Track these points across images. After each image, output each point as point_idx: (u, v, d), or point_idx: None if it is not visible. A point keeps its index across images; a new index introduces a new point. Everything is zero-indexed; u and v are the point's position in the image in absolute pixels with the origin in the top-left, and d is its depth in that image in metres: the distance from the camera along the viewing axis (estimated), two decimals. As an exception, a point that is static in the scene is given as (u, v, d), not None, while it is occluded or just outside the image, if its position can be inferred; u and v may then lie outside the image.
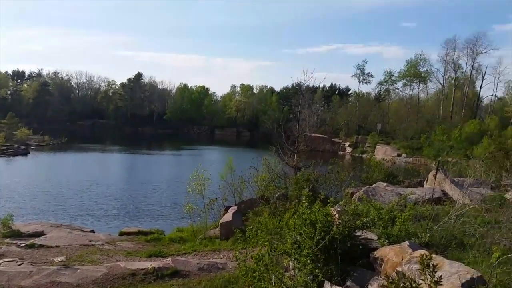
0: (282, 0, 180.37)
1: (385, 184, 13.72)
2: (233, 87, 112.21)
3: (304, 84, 21.54)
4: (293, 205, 12.60)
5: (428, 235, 7.36)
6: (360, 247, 7.14)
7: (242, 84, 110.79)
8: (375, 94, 78.53)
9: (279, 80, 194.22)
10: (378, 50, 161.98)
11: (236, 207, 14.32)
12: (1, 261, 10.59)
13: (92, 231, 15.34)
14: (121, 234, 15.14)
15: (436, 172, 12.55)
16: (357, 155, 55.96)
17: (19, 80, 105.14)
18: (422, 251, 5.11)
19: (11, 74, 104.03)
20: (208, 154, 54.99)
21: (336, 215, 7.53)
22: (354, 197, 12.22)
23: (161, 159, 47.47)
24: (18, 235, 13.91)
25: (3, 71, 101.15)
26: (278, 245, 7.25)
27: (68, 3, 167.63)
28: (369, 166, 19.16)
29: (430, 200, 10.63)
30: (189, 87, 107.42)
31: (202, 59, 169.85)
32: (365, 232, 7.43)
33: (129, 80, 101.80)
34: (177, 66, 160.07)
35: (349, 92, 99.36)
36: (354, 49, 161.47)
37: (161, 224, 17.74)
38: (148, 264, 9.37)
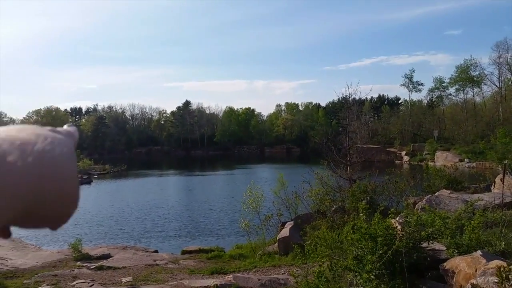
0: (316, 22, 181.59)
1: (449, 191, 13.09)
2: (278, 106, 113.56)
3: (350, 97, 21.35)
4: (351, 217, 12.36)
5: (503, 243, 6.91)
6: (428, 259, 6.86)
7: (287, 103, 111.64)
8: (428, 101, 76.04)
9: (323, 95, 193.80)
10: (424, 58, 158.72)
11: (292, 222, 14.25)
12: (75, 282, 11.25)
13: (156, 251, 15.89)
14: (183, 252, 15.55)
15: (504, 176, 11.80)
16: (416, 163, 53.74)
17: (77, 116, 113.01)
18: (498, 262, 4.82)
19: (70, 111, 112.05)
20: (259, 171, 55.34)
21: (399, 227, 7.30)
22: (416, 207, 11.77)
23: (215, 179, 48.42)
24: (87, 258, 14.73)
25: (62, 109, 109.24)
26: (338, 260, 7.12)
27: (114, 43, 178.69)
28: (429, 174, 18.33)
29: (500, 205, 9.99)
30: (235, 109, 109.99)
31: (245, 82, 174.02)
32: (432, 243, 7.14)
33: (178, 108, 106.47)
34: (222, 91, 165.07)
35: (399, 101, 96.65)
36: (398, 60, 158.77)
37: (220, 242, 17.99)
38: (211, 282, 9.55)
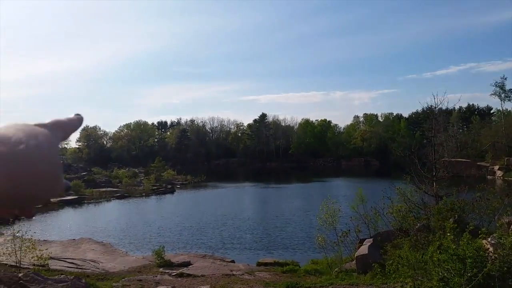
0: (401, 28, 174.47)
1: (552, 211, 11.61)
2: (356, 117, 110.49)
3: (436, 107, 20.04)
4: (437, 237, 11.51)
5: None
6: (526, 285, 6.16)
7: (365, 114, 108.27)
8: (525, 110, 68.87)
9: (405, 106, 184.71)
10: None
11: (371, 239, 13.67)
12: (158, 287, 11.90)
13: (233, 261, 16.25)
14: (259, 264, 15.70)
15: None
16: (511, 179, 48.77)
17: (162, 129, 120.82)
18: None
19: (156, 124, 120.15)
20: (336, 185, 54.14)
21: (491, 249, 6.70)
22: (511, 228, 10.62)
23: (290, 192, 48.34)
24: (169, 264, 15.54)
25: (149, 123, 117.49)
26: (422, 281, 6.71)
27: (195, 60, 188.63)
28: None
29: None
30: (311, 121, 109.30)
31: (321, 94, 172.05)
32: (532, 268, 6.38)
33: (255, 120, 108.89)
34: (297, 103, 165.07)
35: (491, 112, 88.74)
36: (490, 67, 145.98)
37: (295, 256, 17.85)
38: (286, 296, 9.48)
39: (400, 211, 14.35)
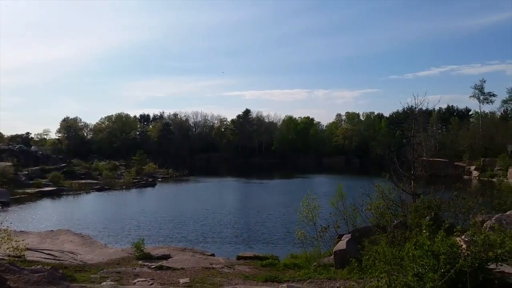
0: (385, 29, 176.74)
1: (523, 211, 12.05)
2: (339, 115, 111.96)
3: (416, 107, 20.40)
4: (413, 234, 11.78)
5: None
6: (496, 282, 6.42)
7: (347, 112, 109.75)
8: (501, 113, 70.67)
9: (387, 106, 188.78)
10: (499, 68, 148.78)
11: (350, 235, 13.90)
12: (136, 280, 11.82)
13: (213, 255, 16.30)
14: (239, 258, 15.80)
15: None
16: (486, 179, 50.18)
17: (145, 122, 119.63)
18: None
19: (139, 117, 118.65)
20: (317, 181, 54.70)
21: (464, 246, 6.94)
22: (484, 226, 10.99)
23: (272, 187, 48.61)
24: (148, 257, 15.46)
25: (132, 115, 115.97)
26: (398, 276, 6.89)
27: (180, 54, 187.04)
28: (501, 191, 16.99)
29: None
30: (294, 118, 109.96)
31: (305, 92, 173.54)
32: (501, 265, 6.67)
33: (239, 116, 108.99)
34: (281, 101, 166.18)
35: (470, 113, 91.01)
36: (470, 70, 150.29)
37: (275, 250, 18.03)
38: (265, 289, 9.58)
39: (378, 208, 14.61)
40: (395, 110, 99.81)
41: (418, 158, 20.33)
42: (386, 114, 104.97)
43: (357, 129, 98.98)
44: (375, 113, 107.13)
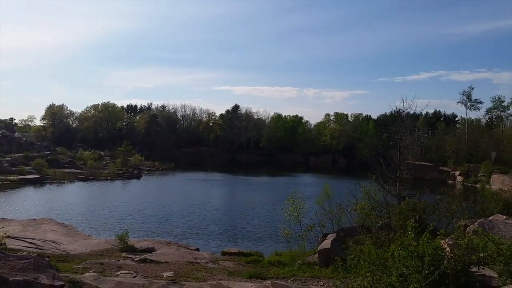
0: (377, 31, 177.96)
1: (504, 216, 12.32)
2: (327, 115, 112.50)
3: (404, 111, 20.60)
4: (397, 235, 11.93)
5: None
6: (477, 284, 6.56)
7: (336, 113, 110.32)
8: (487, 120, 71.87)
9: (375, 108, 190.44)
10: (486, 76, 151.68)
11: (335, 234, 14.01)
12: (119, 272, 11.73)
13: (197, 250, 16.26)
14: (223, 253, 15.80)
15: None
16: (469, 184, 51.06)
17: (132, 113, 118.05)
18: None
19: (126, 108, 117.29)
20: (303, 180, 54.94)
21: (448, 249, 7.06)
22: (467, 230, 11.20)
23: (258, 184, 48.66)
24: (132, 250, 15.34)
25: (119, 105, 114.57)
26: (382, 276, 6.96)
27: (172, 45, 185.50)
28: (484, 197, 17.33)
29: None
30: (283, 116, 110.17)
31: (296, 90, 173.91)
32: (483, 269, 6.81)
33: (227, 111, 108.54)
34: (271, 98, 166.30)
35: (456, 119, 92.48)
36: (459, 76, 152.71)
37: (259, 247, 18.09)
38: (249, 285, 9.61)
39: (364, 209, 14.77)
40: (383, 113, 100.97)
41: (404, 161, 20.59)
42: (374, 116, 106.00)
43: (345, 129, 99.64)
44: (364, 115, 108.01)
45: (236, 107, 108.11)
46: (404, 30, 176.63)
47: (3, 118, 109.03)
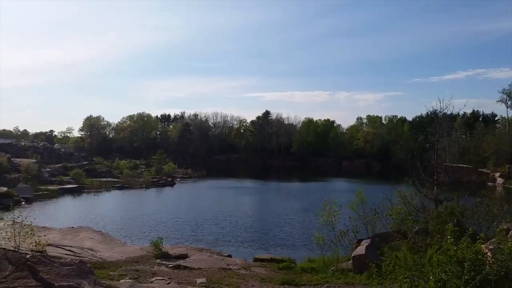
0: (410, 31, 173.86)
1: (552, 220, 11.57)
2: (359, 118, 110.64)
3: (440, 112, 19.89)
4: (435, 240, 11.47)
5: None
6: (523, 291, 6.16)
7: (369, 115, 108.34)
8: (529, 119, 68.45)
9: (410, 109, 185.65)
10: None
11: (369, 240, 13.65)
12: (154, 279, 11.89)
13: (229, 256, 16.28)
14: (255, 260, 15.73)
15: None
16: (511, 186, 48.68)
17: (166, 122, 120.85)
18: None
19: (160, 117, 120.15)
20: (336, 185, 54.11)
21: (489, 254, 6.71)
22: (510, 234, 10.60)
23: (290, 190, 48.32)
24: (166, 256, 15.56)
25: (153, 115, 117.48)
26: (420, 282, 6.71)
27: (202, 55, 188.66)
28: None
29: None
30: (315, 120, 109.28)
31: (327, 94, 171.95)
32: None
33: (258, 117, 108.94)
34: (302, 102, 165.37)
35: (496, 118, 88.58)
36: (498, 74, 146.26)
37: (292, 253, 17.88)
38: (282, 292, 9.47)
39: (400, 214, 14.33)
40: (419, 114, 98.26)
41: (442, 164, 19.89)
42: (409, 118, 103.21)
43: (379, 132, 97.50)
44: (398, 117, 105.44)
45: (266, 113, 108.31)
46: (439, 29, 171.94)
47: (44, 130, 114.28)
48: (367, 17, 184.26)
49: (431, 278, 6.48)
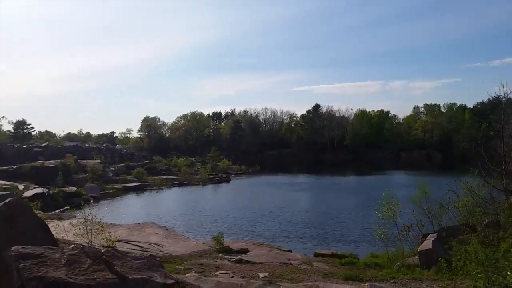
0: (463, 14, 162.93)
1: None
2: (416, 107, 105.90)
3: (504, 97, 18.59)
4: (508, 233, 10.84)
5: None
6: None
7: (426, 104, 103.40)
8: None
9: (470, 96, 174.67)
10: None
11: (435, 234, 13.14)
12: (218, 272, 12.27)
13: (289, 251, 16.38)
14: (316, 255, 15.70)
15: None
16: None
17: (217, 120, 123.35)
18: None
19: (211, 115, 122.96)
20: (395, 178, 52.30)
21: None
22: None
23: (346, 184, 47.58)
24: (227, 251, 15.99)
25: (205, 113, 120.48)
26: (497, 278, 6.41)
27: (249, 51, 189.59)
28: None
29: None
30: (367, 112, 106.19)
31: (379, 84, 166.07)
32: None
33: (308, 111, 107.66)
34: (353, 94, 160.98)
35: None
36: None
37: (353, 249, 17.65)
38: (346, 287, 9.42)
39: (467, 206, 13.70)
40: (480, 101, 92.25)
41: (510, 152, 18.62)
42: (470, 105, 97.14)
43: (438, 121, 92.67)
44: (458, 104, 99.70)
45: (317, 106, 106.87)
46: (494, 8, 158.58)
47: (105, 132, 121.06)
48: (415, 2, 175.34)
49: (508, 273, 6.17)
